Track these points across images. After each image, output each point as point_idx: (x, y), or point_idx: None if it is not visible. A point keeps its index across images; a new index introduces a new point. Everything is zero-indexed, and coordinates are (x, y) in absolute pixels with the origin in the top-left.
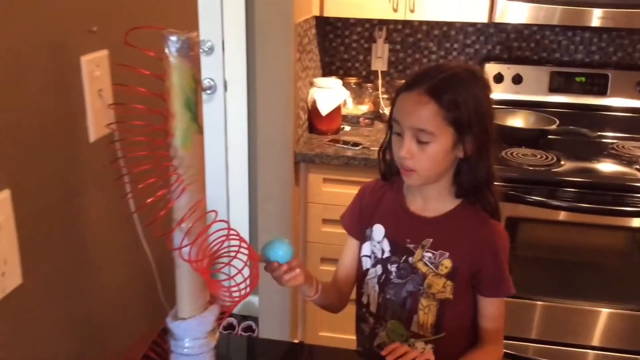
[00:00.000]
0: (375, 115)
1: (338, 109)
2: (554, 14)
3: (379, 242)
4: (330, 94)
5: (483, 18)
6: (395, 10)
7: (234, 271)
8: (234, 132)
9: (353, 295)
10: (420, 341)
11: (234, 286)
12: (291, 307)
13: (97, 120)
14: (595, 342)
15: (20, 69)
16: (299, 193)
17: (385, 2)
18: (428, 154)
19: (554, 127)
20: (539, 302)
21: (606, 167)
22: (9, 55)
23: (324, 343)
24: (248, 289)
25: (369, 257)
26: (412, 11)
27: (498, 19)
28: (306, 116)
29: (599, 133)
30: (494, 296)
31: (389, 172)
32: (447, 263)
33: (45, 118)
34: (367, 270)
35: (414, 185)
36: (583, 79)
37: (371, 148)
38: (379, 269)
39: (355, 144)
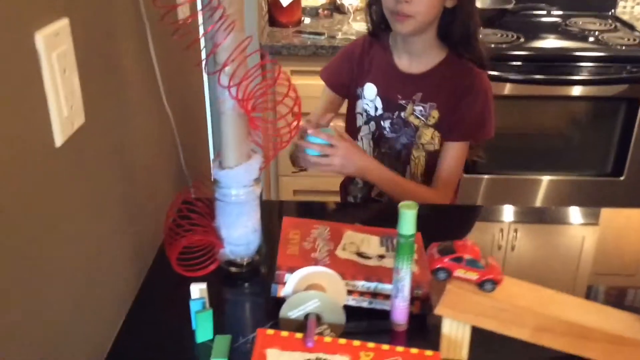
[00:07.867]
0: (333, 7)
1: (298, 0)
2: None
3: (371, 101)
4: None
5: None
6: None
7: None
8: None
9: None
10: None
11: (280, 129)
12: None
13: None
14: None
15: None
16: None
17: None
18: None
19: (511, 5)
20: (485, 176)
21: (560, 43)
22: None
23: None
24: (289, 137)
25: (361, 114)
26: None
27: None
28: (267, 8)
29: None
30: (472, 139)
31: (377, 27)
32: (434, 114)
33: None
34: (360, 127)
35: (406, 33)
36: None
37: (336, 37)
38: (372, 125)
39: (319, 34)
